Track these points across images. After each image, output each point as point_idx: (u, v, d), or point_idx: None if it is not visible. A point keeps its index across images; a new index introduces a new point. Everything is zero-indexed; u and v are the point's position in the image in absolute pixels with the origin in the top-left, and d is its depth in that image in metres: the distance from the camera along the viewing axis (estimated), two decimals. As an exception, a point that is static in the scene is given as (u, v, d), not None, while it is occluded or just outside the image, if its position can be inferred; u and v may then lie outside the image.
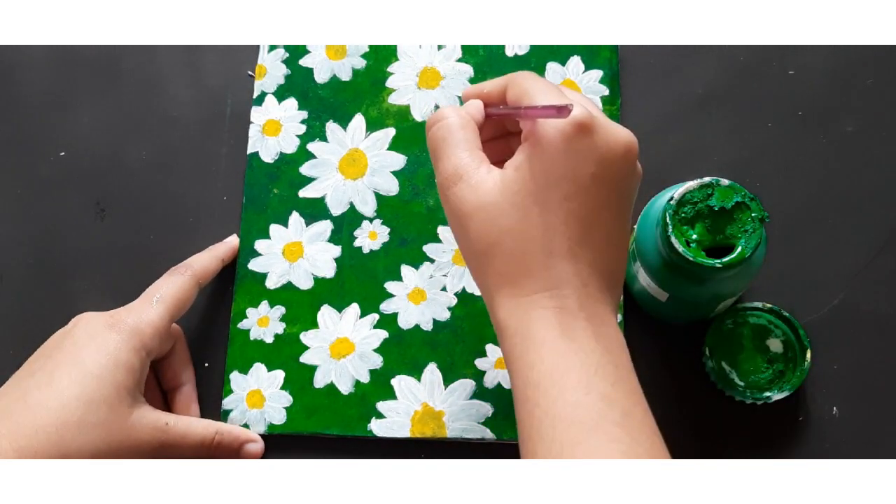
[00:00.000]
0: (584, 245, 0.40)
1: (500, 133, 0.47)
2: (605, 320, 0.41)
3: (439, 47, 0.59)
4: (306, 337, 0.54)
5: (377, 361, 0.53)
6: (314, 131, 0.58)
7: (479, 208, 0.41)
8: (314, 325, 0.54)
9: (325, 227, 0.56)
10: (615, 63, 0.58)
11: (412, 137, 0.57)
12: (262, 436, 0.52)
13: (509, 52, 0.59)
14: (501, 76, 0.45)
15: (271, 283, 0.55)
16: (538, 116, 0.40)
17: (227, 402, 0.53)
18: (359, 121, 0.58)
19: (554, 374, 0.39)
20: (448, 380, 0.53)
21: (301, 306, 0.55)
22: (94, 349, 0.46)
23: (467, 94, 0.46)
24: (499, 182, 0.41)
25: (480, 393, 0.52)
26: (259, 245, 0.56)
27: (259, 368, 0.54)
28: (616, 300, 0.42)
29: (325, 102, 0.58)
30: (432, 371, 0.53)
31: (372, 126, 0.58)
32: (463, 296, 0.54)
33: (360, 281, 0.55)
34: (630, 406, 0.39)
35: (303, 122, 0.58)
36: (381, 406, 0.52)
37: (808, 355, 0.50)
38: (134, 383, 0.47)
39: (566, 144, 0.40)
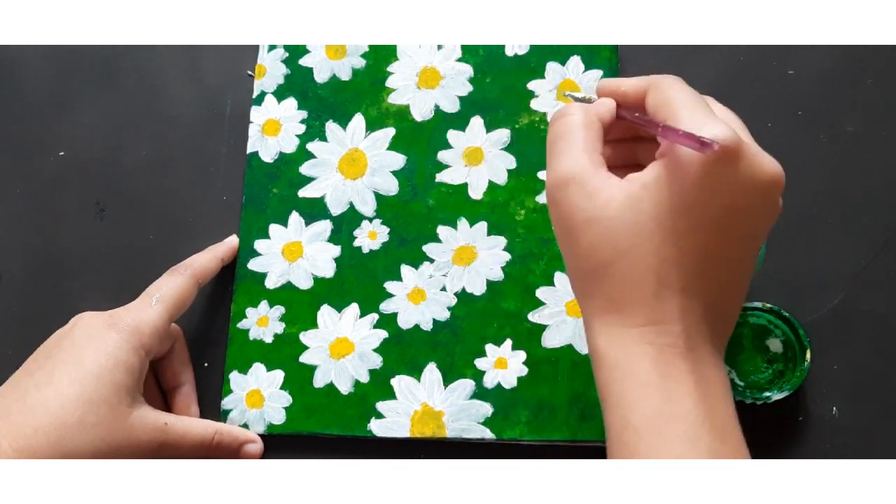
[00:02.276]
0: (704, 280, 0.37)
1: (628, 136, 0.43)
2: (716, 364, 0.37)
3: (439, 47, 0.59)
4: (306, 337, 0.54)
5: (377, 361, 0.53)
6: (314, 131, 0.58)
7: (594, 220, 0.37)
8: (314, 324, 0.54)
9: (325, 226, 0.56)
10: (615, 63, 0.58)
11: (412, 137, 0.57)
12: (262, 436, 0.52)
13: (509, 52, 0.59)
14: (644, 76, 0.41)
15: (271, 283, 0.55)
16: (677, 141, 0.36)
17: (226, 402, 0.53)
18: (358, 120, 0.58)
19: (658, 419, 0.36)
20: (448, 380, 0.53)
21: (301, 306, 0.55)
22: (93, 349, 0.46)
23: (602, 89, 0.42)
24: (620, 196, 0.37)
25: (480, 393, 0.52)
26: (259, 245, 0.56)
27: (258, 368, 0.54)
28: (724, 345, 0.39)
29: (324, 102, 0.58)
30: (432, 371, 0.53)
31: (372, 126, 0.58)
32: (463, 296, 0.54)
33: (359, 281, 0.55)
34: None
35: (302, 121, 0.58)
36: (381, 406, 0.52)
37: (808, 355, 0.50)
38: (133, 383, 0.47)
39: (706, 171, 0.36)
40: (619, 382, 0.37)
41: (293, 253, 0.56)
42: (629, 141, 0.43)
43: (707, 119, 0.36)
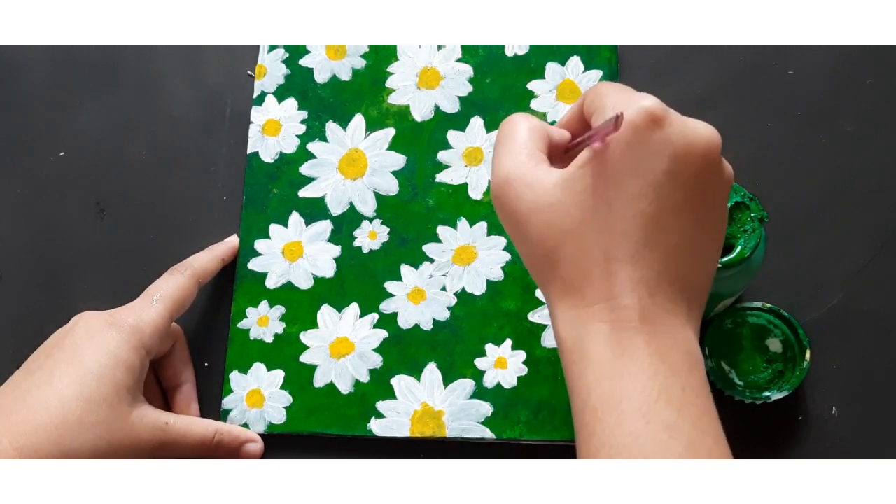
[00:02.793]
0: (653, 248, 0.36)
1: None
2: (676, 335, 0.37)
3: (439, 47, 0.59)
4: (306, 337, 0.54)
5: (377, 361, 0.53)
6: (314, 131, 0.58)
7: (538, 209, 0.38)
8: (314, 324, 0.54)
9: (325, 226, 0.56)
10: (615, 63, 0.58)
11: (412, 137, 0.57)
12: (262, 435, 0.52)
13: (509, 52, 0.59)
14: (581, 96, 0.42)
15: (271, 283, 0.55)
16: (602, 136, 0.37)
17: (226, 402, 0.53)
18: (358, 121, 0.58)
19: (611, 399, 0.35)
20: (448, 379, 0.53)
21: (301, 306, 0.55)
22: (93, 348, 0.46)
23: (560, 125, 0.43)
24: (560, 181, 0.37)
25: (480, 392, 0.52)
26: (259, 245, 0.56)
27: (259, 368, 0.54)
28: (696, 313, 0.38)
29: (324, 102, 0.58)
30: (432, 371, 0.53)
31: (372, 126, 0.58)
32: (463, 295, 0.54)
33: (359, 281, 0.55)
34: (697, 435, 0.35)
35: (303, 122, 0.58)
36: (381, 406, 0.52)
37: (808, 355, 0.50)
38: (134, 382, 0.47)
39: (635, 136, 0.36)
40: (577, 365, 0.37)
41: (293, 253, 0.56)
42: None
43: (630, 96, 0.37)
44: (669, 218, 0.36)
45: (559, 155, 0.41)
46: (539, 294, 0.54)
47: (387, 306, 0.54)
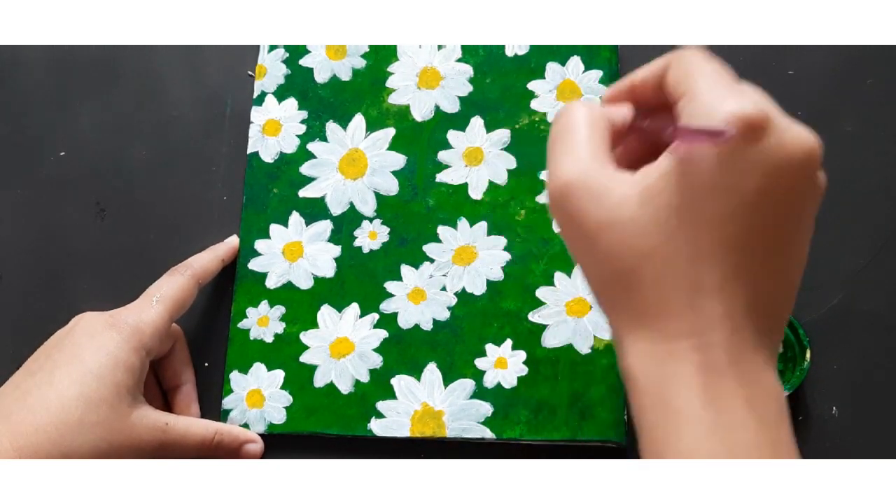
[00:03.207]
0: (740, 278, 0.32)
1: (651, 143, 0.37)
2: (762, 376, 0.33)
3: (439, 47, 0.59)
4: (306, 336, 0.54)
5: (377, 361, 0.53)
6: (314, 131, 0.58)
7: (608, 224, 0.33)
8: (314, 324, 0.54)
9: (325, 226, 0.56)
10: (615, 63, 0.58)
11: (412, 137, 0.57)
12: (262, 435, 0.52)
13: (509, 52, 0.59)
14: (665, 56, 0.35)
15: (271, 283, 0.55)
16: (689, 142, 0.32)
17: (226, 402, 0.53)
18: (359, 121, 0.58)
19: (695, 457, 0.32)
20: (448, 379, 0.53)
21: (301, 306, 0.55)
22: (94, 348, 0.46)
23: (613, 94, 0.38)
24: (635, 191, 0.33)
25: (480, 392, 0.52)
26: (259, 245, 0.56)
27: (259, 368, 0.54)
28: (776, 346, 0.34)
29: (325, 102, 0.58)
30: (432, 371, 0.53)
31: (372, 126, 0.58)
32: (463, 295, 0.54)
33: (359, 281, 0.55)
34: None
35: (303, 121, 0.58)
36: (381, 406, 0.52)
37: (808, 355, 0.50)
38: (134, 383, 0.47)
39: (730, 149, 0.31)
40: (653, 412, 0.33)
41: (293, 253, 0.56)
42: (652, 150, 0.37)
43: (730, 92, 0.32)
44: (760, 242, 0.32)
45: (620, 135, 0.37)
46: (540, 294, 0.53)
47: (387, 306, 0.54)
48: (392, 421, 0.52)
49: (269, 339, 0.54)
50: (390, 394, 0.53)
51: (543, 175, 0.56)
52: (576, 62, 0.58)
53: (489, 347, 0.53)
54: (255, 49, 0.60)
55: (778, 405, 0.33)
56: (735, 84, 0.33)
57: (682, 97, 0.34)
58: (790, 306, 0.35)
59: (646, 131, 0.36)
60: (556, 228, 0.36)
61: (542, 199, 0.55)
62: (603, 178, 0.33)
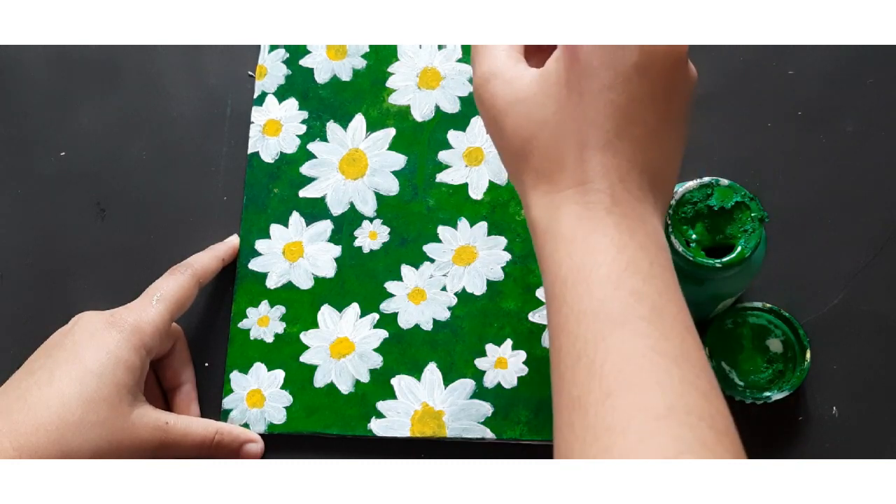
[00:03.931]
0: (623, 138, 0.38)
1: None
2: (644, 219, 0.38)
3: (439, 47, 0.59)
4: (306, 336, 0.54)
5: (377, 361, 0.53)
6: (314, 131, 0.58)
7: (514, 102, 0.39)
8: (314, 324, 0.54)
9: (326, 226, 0.56)
10: (615, 63, 0.58)
11: (412, 137, 0.57)
12: (262, 435, 0.52)
13: (509, 52, 0.58)
14: None
15: (271, 283, 0.55)
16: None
17: (227, 402, 0.53)
18: (359, 121, 0.58)
19: (582, 270, 0.37)
20: (448, 379, 0.53)
21: (301, 306, 0.55)
22: (94, 348, 0.46)
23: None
24: (537, 76, 0.39)
25: (480, 392, 0.52)
26: (259, 245, 0.56)
27: (259, 368, 0.54)
28: (663, 202, 0.40)
29: (325, 102, 0.58)
30: (432, 371, 0.53)
31: (372, 126, 0.58)
32: (463, 295, 0.54)
33: (360, 281, 0.55)
34: (662, 302, 0.36)
35: (303, 122, 0.58)
36: (381, 405, 0.52)
37: (808, 355, 0.50)
38: (134, 382, 0.47)
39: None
40: (550, 245, 0.38)
41: (294, 253, 0.56)
42: None
43: None
44: (638, 109, 0.38)
45: (534, 53, 0.43)
46: (540, 294, 0.54)
47: (387, 306, 0.54)
48: (392, 421, 0.52)
49: (270, 338, 0.54)
50: (390, 394, 0.53)
51: None
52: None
53: (489, 347, 0.53)
54: (255, 49, 0.60)
55: (658, 240, 0.38)
56: None
57: None
58: (673, 171, 0.40)
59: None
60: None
61: None
62: (514, 70, 0.40)
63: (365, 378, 0.53)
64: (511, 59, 0.41)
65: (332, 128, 0.58)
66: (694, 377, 0.35)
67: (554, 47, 0.42)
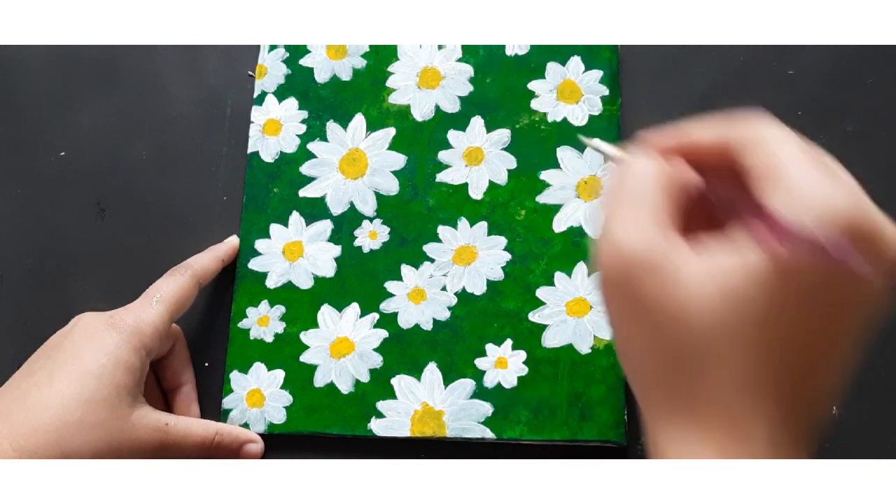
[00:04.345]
0: (793, 409, 0.31)
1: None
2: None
3: (440, 47, 0.59)
4: (306, 336, 0.54)
5: (377, 361, 0.53)
6: (314, 131, 0.58)
7: (680, 314, 0.30)
8: (314, 324, 0.54)
9: (326, 226, 0.56)
10: (615, 63, 0.58)
11: (412, 137, 0.57)
12: (262, 435, 0.52)
13: (509, 52, 0.59)
14: (724, 121, 0.33)
15: (271, 283, 0.55)
16: (789, 239, 0.29)
17: (227, 402, 0.53)
18: (359, 120, 0.58)
19: None
20: (448, 379, 0.53)
21: (301, 306, 0.55)
22: (93, 349, 0.46)
23: (665, 146, 0.33)
24: (712, 287, 0.30)
25: (480, 392, 0.52)
26: (259, 244, 0.56)
27: (259, 368, 0.54)
28: (809, 439, 0.33)
29: (325, 102, 0.58)
30: (432, 370, 0.53)
31: (372, 126, 0.58)
32: (463, 295, 0.54)
33: (360, 280, 0.55)
34: None
35: (303, 121, 0.58)
36: (381, 405, 0.52)
37: (808, 355, 0.50)
38: (134, 383, 0.47)
39: (829, 269, 0.29)
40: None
41: (294, 253, 0.56)
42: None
43: (829, 185, 0.30)
44: (823, 350, 0.31)
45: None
46: (540, 294, 0.53)
47: (387, 306, 0.54)
48: (392, 421, 0.52)
49: (270, 338, 0.54)
50: (390, 394, 0.53)
51: (543, 175, 0.56)
52: (576, 62, 0.58)
53: (489, 347, 0.53)
54: (255, 49, 0.60)
55: None
56: (828, 171, 0.30)
57: (764, 177, 0.31)
58: (827, 405, 0.33)
59: (723, 203, 0.33)
60: (600, 303, 0.35)
61: (542, 199, 0.55)
62: (673, 258, 0.30)
63: (365, 378, 0.53)
64: (666, 237, 0.30)
65: (332, 127, 0.58)
66: None
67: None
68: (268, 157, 0.58)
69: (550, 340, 0.53)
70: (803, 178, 0.30)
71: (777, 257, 0.29)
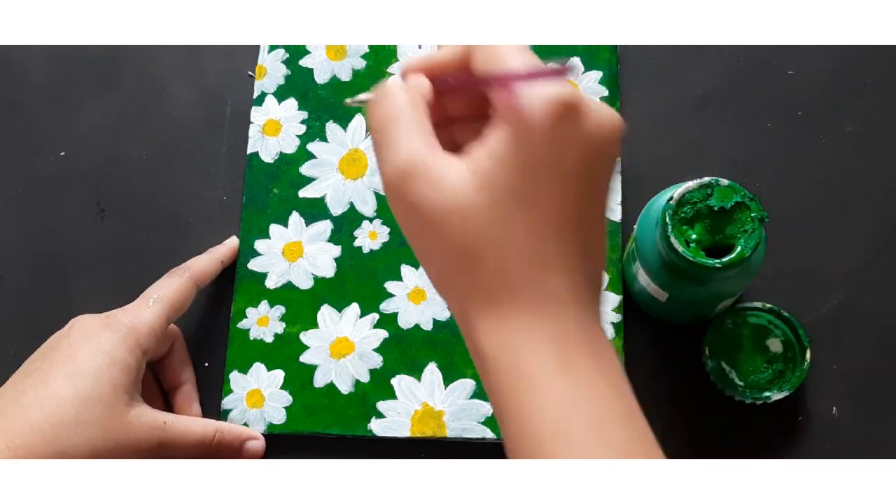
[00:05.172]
0: (577, 252, 0.34)
1: (442, 121, 0.37)
2: (601, 337, 0.34)
3: (439, 47, 0.59)
4: (306, 336, 0.54)
5: (377, 361, 0.53)
6: (314, 131, 0.58)
7: (449, 211, 0.33)
8: (314, 324, 0.54)
9: (325, 226, 0.56)
10: (615, 63, 0.58)
11: (412, 137, 0.57)
12: (262, 435, 0.52)
13: (509, 52, 0.58)
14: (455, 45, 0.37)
15: (271, 283, 0.55)
16: (528, 79, 0.32)
17: (226, 402, 0.53)
18: (359, 121, 0.58)
19: (559, 428, 0.33)
20: (448, 379, 0.53)
21: (301, 306, 0.55)
22: (89, 349, 0.46)
23: (409, 68, 0.37)
24: (469, 176, 0.33)
25: (480, 392, 0.52)
26: (259, 245, 0.56)
27: (259, 368, 0.54)
28: (600, 301, 0.36)
29: (325, 103, 0.58)
30: (432, 371, 0.53)
31: (372, 126, 0.58)
32: (463, 296, 0.54)
33: (360, 280, 0.55)
34: (644, 451, 0.34)
35: (303, 122, 0.58)
36: (381, 406, 0.52)
37: (808, 355, 0.50)
38: (130, 382, 0.47)
39: (555, 129, 0.32)
40: (512, 389, 0.33)
41: (293, 253, 0.56)
42: (443, 126, 0.37)
43: (540, 65, 0.33)
44: (587, 215, 0.34)
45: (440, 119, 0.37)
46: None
47: (387, 306, 0.54)
48: (392, 421, 0.52)
49: (269, 339, 0.54)
50: (390, 394, 0.53)
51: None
52: (576, 62, 0.58)
53: (489, 347, 0.53)
54: (255, 49, 0.60)
55: (616, 362, 0.34)
56: (544, 64, 0.34)
57: (490, 59, 0.34)
58: (604, 261, 0.36)
59: (462, 88, 0.37)
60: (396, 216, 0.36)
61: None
62: (437, 164, 0.33)
63: (365, 378, 0.53)
64: (429, 148, 0.34)
65: (332, 128, 0.58)
66: None
67: (467, 111, 0.37)
68: (268, 157, 0.58)
69: (550, 340, 0.53)
70: (514, 61, 0.33)
71: (513, 124, 0.33)
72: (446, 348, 0.53)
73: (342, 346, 0.54)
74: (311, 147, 0.58)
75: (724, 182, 0.46)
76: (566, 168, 0.33)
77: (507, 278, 0.33)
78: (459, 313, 0.35)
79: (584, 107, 0.33)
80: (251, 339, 0.54)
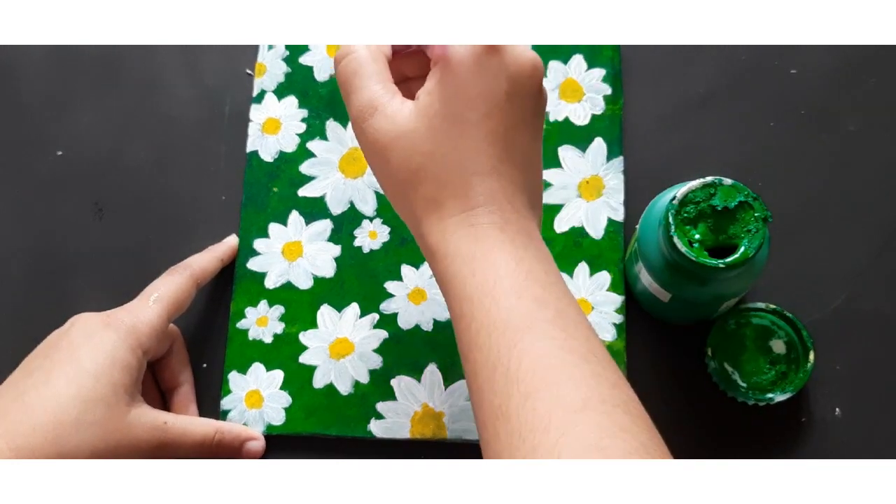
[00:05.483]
0: (505, 162, 0.41)
1: (400, 79, 0.46)
2: (533, 235, 0.41)
3: (440, 46, 0.59)
4: (305, 337, 0.54)
5: (377, 361, 0.53)
6: (314, 130, 0.58)
7: (397, 137, 0.41)
8: (313, 324, 0.54)
9: (325, 226, 0.56)
10: (617, 62, 0.58)
11: (413, 137, 0.57)
12: (262, 436, 0.52)
13: (510, 52, 0.58)
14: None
15: (270, 283, 0.55)
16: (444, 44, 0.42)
17: (225, 402, 0.53)
18: (359, 120, 0.58)
19: (485, 285, 0.39)
20: (448, 380, 0.52)
21: (300, 306, 0.54)
22: (90, 348, 0.46)
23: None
24: (414, 110, 0.41)
25: (481, 393, 0.52)
26: (258, 244, 0.56)
27: (258, 368, 0.53)
28: (539, 219, 0.43)
29: (325, 101, 0.58)
30: (432, 371, 0.53)
31: (372, 125, 0.58)
32: (463, 296, 0.54)
33: (359, 280, 0.55)
34: (563, 306, 0.39)
35: (303, 120, 0.58)
36: (381, 406, 0.52)
37: (811, 356, 0.50)
38: (131, 382, 0.47)
39: (477, 63, 0.40)
40: (451, 267, 0.40)
41: (293, 252, 0.56)
42: (403, 83, 0.46)
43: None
44: (515, 135, 0.41)
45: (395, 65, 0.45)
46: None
47: (387, 306, 0.54)
48: (392, 422, 0.52)
49: (268, 339, 0.54)
50: (390, 395, 0.52)
51: (545, 175, 0.55)
52: (578, 61, 0.58)
53: (490, 348, 0.53)
54: (253, 48, 0.60)
55: (546, 252, 0.42)
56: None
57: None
58: (541, 185, 0.44)
59: (408, 52, 0.45)
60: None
61: (544, 198, 0.55)
62: (393, 104, 0.42)
63: (364, 379, 0.53)
64: (387, 92, 0.42)
65: (332, 126, 0.58)
66: (602, 370, 0.38)
67: (420, 72, 0.44)
68: (267, 156, 0.57)
69: (551, 341, 0.52)
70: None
71: (442, 64, 0.41)
72: (446, 349, 0.53)
73: (342, 346, 0.54)
74: (310, 145, 0.57)
75: (728, 181, 0.45)
76: (490, 93, 0.40)
77: (447, 186, 0.41)
78: (411, 220, 0.43)
79: (504, 47, 0.41)
80: (250, 339, 0.54)
